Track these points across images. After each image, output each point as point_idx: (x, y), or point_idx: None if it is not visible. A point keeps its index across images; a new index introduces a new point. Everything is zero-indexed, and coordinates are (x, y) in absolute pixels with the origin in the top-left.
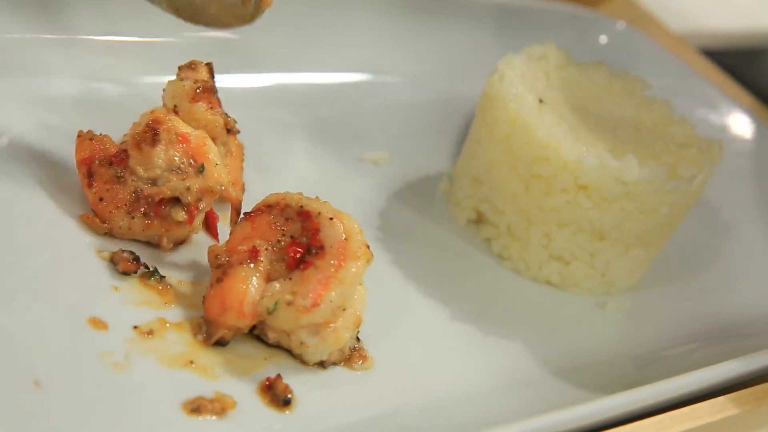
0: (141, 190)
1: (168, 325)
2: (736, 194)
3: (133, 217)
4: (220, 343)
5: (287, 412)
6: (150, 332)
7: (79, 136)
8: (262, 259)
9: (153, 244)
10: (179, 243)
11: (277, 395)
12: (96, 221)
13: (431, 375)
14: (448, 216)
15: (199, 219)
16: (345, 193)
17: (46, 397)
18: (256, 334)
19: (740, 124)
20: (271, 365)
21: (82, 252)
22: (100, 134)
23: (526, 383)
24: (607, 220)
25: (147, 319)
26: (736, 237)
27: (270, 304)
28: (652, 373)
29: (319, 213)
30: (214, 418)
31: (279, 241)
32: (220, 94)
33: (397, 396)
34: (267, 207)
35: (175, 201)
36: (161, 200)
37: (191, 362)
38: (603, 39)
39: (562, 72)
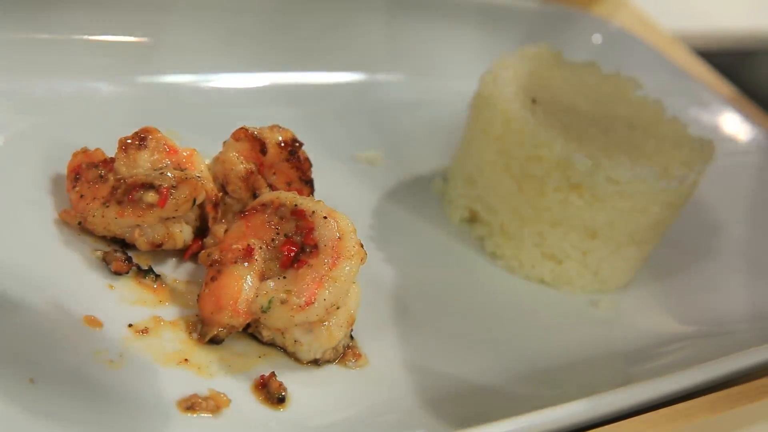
0: (118, 181)
1: (163, 323)
2: (727, 194)
3: (107, 206)
4: (215, 341)
5: (281, 409)
6: (145, 330)
7: (74, 154)
8: (256, 257)
9: (130, 245)
10: (157, 245)
11: (271, 393)
12: (70, 213)
13: (424, 372)
14: (441, 215)
15: (174, 206)
16: (339, 192)
17: (40, 394)
18: (251, 332)
19: (732, 124)
20: (266, 363)
21: (77, 251)
22: (94, 149)
23: (517, 380)
24: (599, 219)
25: (142, 318)
26: (728, 236)
27: (264, 303)
28: (644, 370)
29: (313, 212)
30: (208, 415)
31: (273, 240)
32: (215, 94)
33: (390, 393)
34: (261, 206)
35: (149, 187)
36: (135, 187)
37: (186, 360)
38: (596, 39)
39: (555, 72)
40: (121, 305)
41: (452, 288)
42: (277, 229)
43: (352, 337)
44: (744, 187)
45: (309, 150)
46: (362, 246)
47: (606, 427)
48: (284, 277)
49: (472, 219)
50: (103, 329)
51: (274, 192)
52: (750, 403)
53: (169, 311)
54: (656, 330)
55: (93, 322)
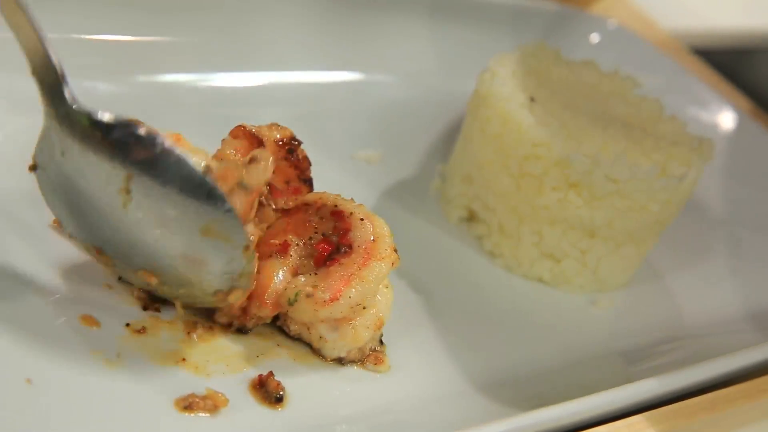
0: None
1: (160, 322)
2: (726, 192)
3: None
4: (242, 331)
5: (279, 409)
6: (142, 330)
7: None
8: (291, 253)
9: None
10: None
11: (269, 392)
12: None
13: (421, 371)
14: (439, 214)
15: None
16: (337, 191)
17: (37, 394)
18: (279, 325)
19: (731, 122)
20: (264, 363)
21: (75, 250)
22: None
23: (517, 380)
24: (597, 217)
25: (139, 317)
26: (727, 235)
27: (291, 296)
28: (643, 369)
29: (351, 213)
30: (206, 415)
31: (311, 238)
32: (214, 93)
33: (389, 393)
34: (304, 205)
35: None
36: None
37: (183, 360)
38: (594, 38)
39: (553, 70)
40: (119, 305)
41: (450, 287)
42: (316, 228)
43: (382, 342)
44: (743, 185)
45: (307, 149)
46: (396, 251)
47: (605, 426)
48: (315, 274)
49: (471, 218)
50: (101, 328)
51: (318, 192)
52: (749, 402)
53: (167, 311)
54: (655, 329)
55: (90, 321)
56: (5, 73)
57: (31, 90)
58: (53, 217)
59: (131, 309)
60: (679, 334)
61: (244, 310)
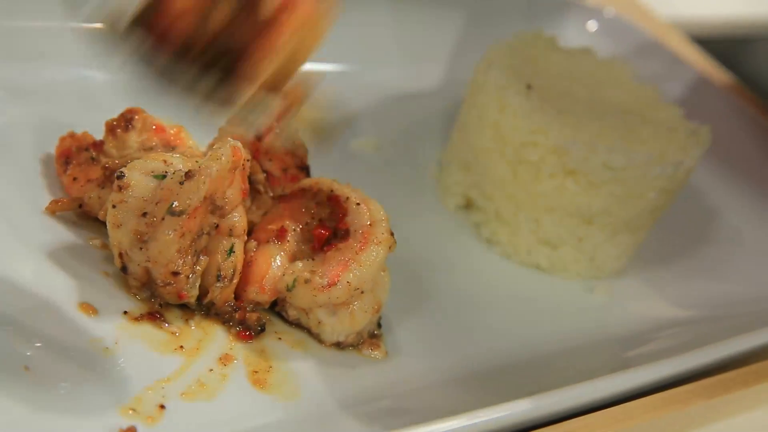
0: (112, 164)
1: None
2: (722, 180)
3: (103, 188)
4: (250, 327)
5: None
6: (140, 317)
7: (61, 139)
8: (288, 239)
9: None
10: None
11: (250, 326)
12: (65, 201)
13: (417, 358)
14: (437, 202)
15: None
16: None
17: (35, 382)
18: (278, 310)
19: (727, 110)
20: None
21: (72, 238)
22: (81, 132)
23: (513, 366)
24: (594, 204)
25: (137, 305)
26: (723, 222)
27: (289, 281)
28: (640, 355)
29: (348, 198)
30: (204, 401)
31: (308, 224)
32: None
33: (386, 378)
34: (301, 190)
35: None
36: None
37: (181, 347)
38: (592, 26)
39: (550, 58)
40: (117, 292)
41: (448, 274)
42: (313, 213)
43: (380, 326)
44: (739, 173)
45: (305, 137)
46: (392, 234)
47: (601, 411)
48: (313, 259)
49: (468, 205)
50: (99, 316)
51: (314, 178)
52: (746, 388)
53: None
54: (652, 315)
55: (88, 309)
56: (2, 62)
57: (28, 79)
58: (48, 204)
59: (129, 297)
60: (675, 320)
61: (240, 297)
